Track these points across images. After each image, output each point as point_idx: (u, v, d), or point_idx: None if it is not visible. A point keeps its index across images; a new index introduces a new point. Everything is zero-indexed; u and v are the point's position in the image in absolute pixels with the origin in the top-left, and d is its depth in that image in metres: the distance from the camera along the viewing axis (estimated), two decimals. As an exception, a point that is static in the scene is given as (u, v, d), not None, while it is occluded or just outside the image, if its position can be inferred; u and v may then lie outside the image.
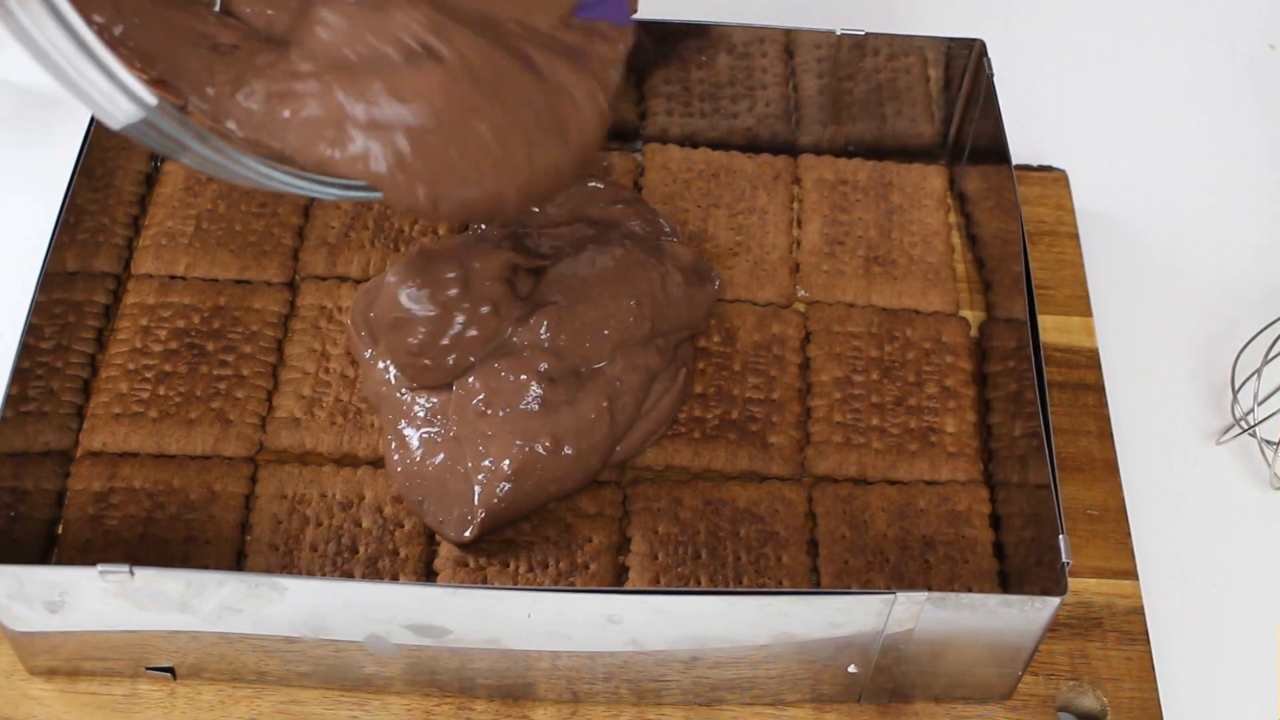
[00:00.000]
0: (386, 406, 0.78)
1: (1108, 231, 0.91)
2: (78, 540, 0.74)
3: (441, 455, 0.75)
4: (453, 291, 0.75)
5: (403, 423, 0.77)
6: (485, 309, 0.75)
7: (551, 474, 0.75)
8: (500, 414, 0.75)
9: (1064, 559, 0.66)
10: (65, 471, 0.76)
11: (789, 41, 0.88)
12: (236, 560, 0.74)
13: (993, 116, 0.82)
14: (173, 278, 0.83)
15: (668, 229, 0.84)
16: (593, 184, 0.84)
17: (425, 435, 0.76)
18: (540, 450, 0.74)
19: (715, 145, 0.90)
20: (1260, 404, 0.81)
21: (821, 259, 0.86)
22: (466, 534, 0.74)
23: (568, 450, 0.75)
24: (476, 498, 0.74)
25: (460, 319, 0.75)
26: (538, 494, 0.75)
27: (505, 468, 0.74)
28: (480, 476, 0.74)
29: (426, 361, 0.75)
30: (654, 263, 0.80)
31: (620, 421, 0.77)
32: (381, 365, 0.78)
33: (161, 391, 0.79)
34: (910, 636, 0.67)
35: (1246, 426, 0.82)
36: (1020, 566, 0.73)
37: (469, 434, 0.75)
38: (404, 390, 0.77)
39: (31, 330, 0.74)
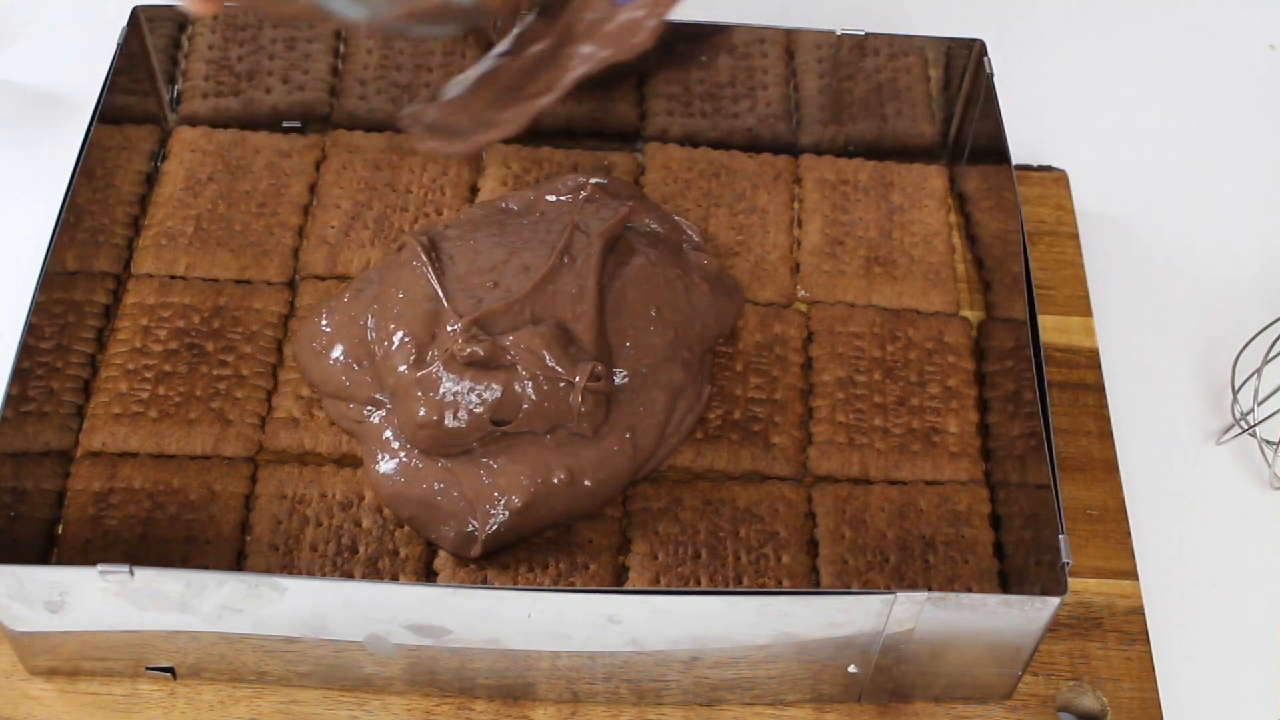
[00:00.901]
0: (357, 434, 0.77)
1: (1108, 231, 0.91)
2: (78, 540, 0.74)
3: (429, 482, 0.74)
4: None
5: (376, 449, 0.76)
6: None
7: (566, 505, 0.74)
8: (505, 443, 0.74)
9: (1064, 559, 0.66)
10: (65, 471, 0.76)
11: (789, 41, 0.88)
12: (236, 560, 0.74)
13: (993, 116, 0.82)
14: (172, 277, 0.83)
15: (696, 237, 0.83)
16: (596, 180, 0.83)
17: (404, 462, 0.75)
18: (555, 482, 0.73)
19: (716, 145, 0.90)
20: (1260, 404, 0.81)
21: (822, 259, 0.86)
22: (470, 553, 0.73)
23: (586, 483, 0.74)
24: (478, 525, 0.73)
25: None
26: (549, 520, 0.74)
27: (515, 502, 0.73)
28: (485, 506, 0.73)
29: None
30: (677, 272, 0.79)
31: (643, 448, 0.76)
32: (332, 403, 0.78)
33: (161, 391, 0.79)
34: (910, 636, 0.67)
35: (1246, 426, 0.82)
36: (1020, 566, 0.73)
37: (466, 465, 0.74)
38: (369, 411, 0.76)
39: (31, 330, 0.74)
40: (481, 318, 0.73)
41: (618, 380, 0.75)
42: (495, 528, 0.73)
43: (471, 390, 0.72)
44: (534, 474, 0.73)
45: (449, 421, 0.72)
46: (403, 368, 0.74)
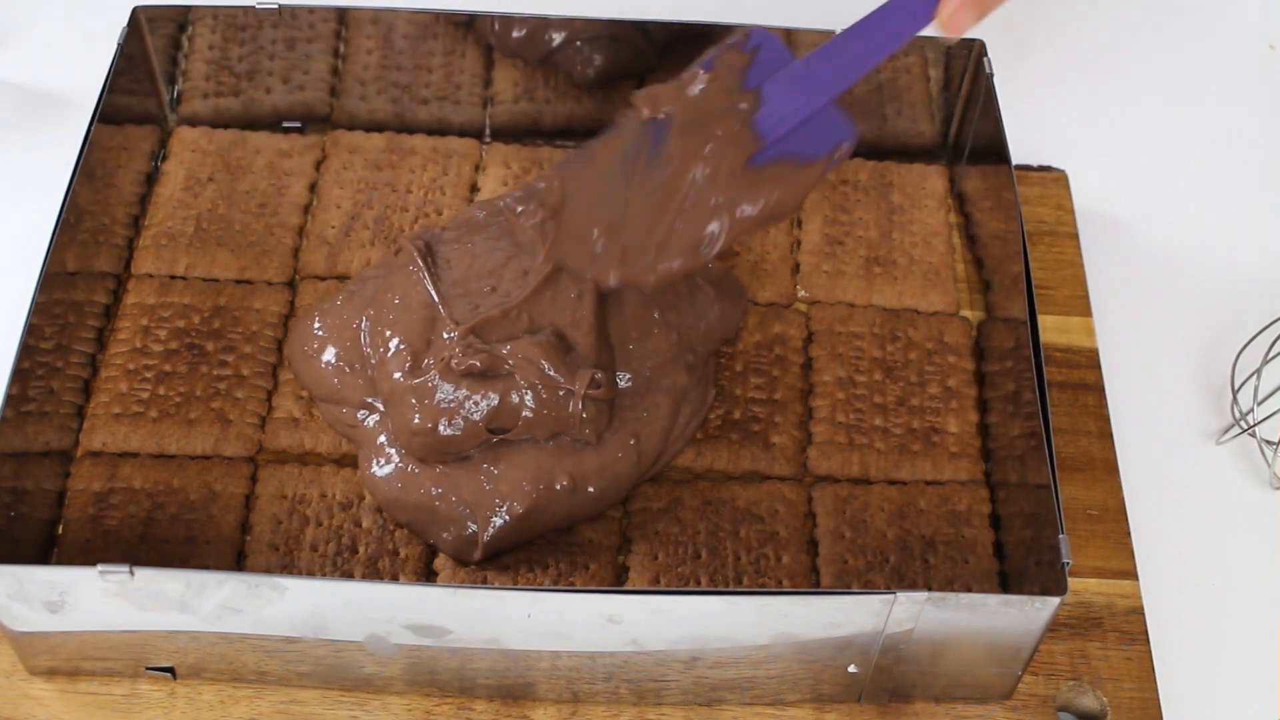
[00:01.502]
0: (351, 438, 0.77)
1: (1108, 231, 0.91)
2: (78, 540, 0.74)
3: (427, 488, 0.74)
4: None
5: (371, 454, 0.75)
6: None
7: (568, 510, 0.74)
8: (506, 449, 0.73)
9: (1064, 559, 0.66)
10: (65, 471, 0.76)
11: (789, 42, 0.88)
12: (236, 560, 0.74)
13: (992, 116, 0.82)
14: (173, 277, 0.83)
15: None
16: None
17: (401, 467, 0.74)
18: (557, 488, 0.73)
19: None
20: (1260, 404, 0.81)
21: (822, 259, 0.86)
22: (470, 557, 0.73)
23: (590, 490, 0.74)
24: (478, 530, 0.73)
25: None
26: (551, 525, 0.74)
27: (516, 508, 0.72)
28: (486, 512, 0.73)
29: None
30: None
31: (648, 454, 0.75)
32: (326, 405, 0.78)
33: (161, 391, 0.79)
34: (910, 636, 0.67)
35: (1246, 426, 0.82)
36: (1020, 566, 0.73)
37: (465, 471, 0.73)
38: (363, 415, 0.76)
39: (32, 330, 0.74)
40: (478, 325, 0.73)
41: (621, 384, 0.75)
42: (496, 533, 0.73)
43: (468, 399, 0.72)
44: (536, 480, 0.73)
45: (444, 429, 0.72)
46: (398, 374, 0.73)
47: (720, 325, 0.80)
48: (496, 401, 0.72)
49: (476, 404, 0.72)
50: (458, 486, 0.73)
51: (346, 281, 0.82)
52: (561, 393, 0.72)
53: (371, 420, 0.76)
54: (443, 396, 0.72)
